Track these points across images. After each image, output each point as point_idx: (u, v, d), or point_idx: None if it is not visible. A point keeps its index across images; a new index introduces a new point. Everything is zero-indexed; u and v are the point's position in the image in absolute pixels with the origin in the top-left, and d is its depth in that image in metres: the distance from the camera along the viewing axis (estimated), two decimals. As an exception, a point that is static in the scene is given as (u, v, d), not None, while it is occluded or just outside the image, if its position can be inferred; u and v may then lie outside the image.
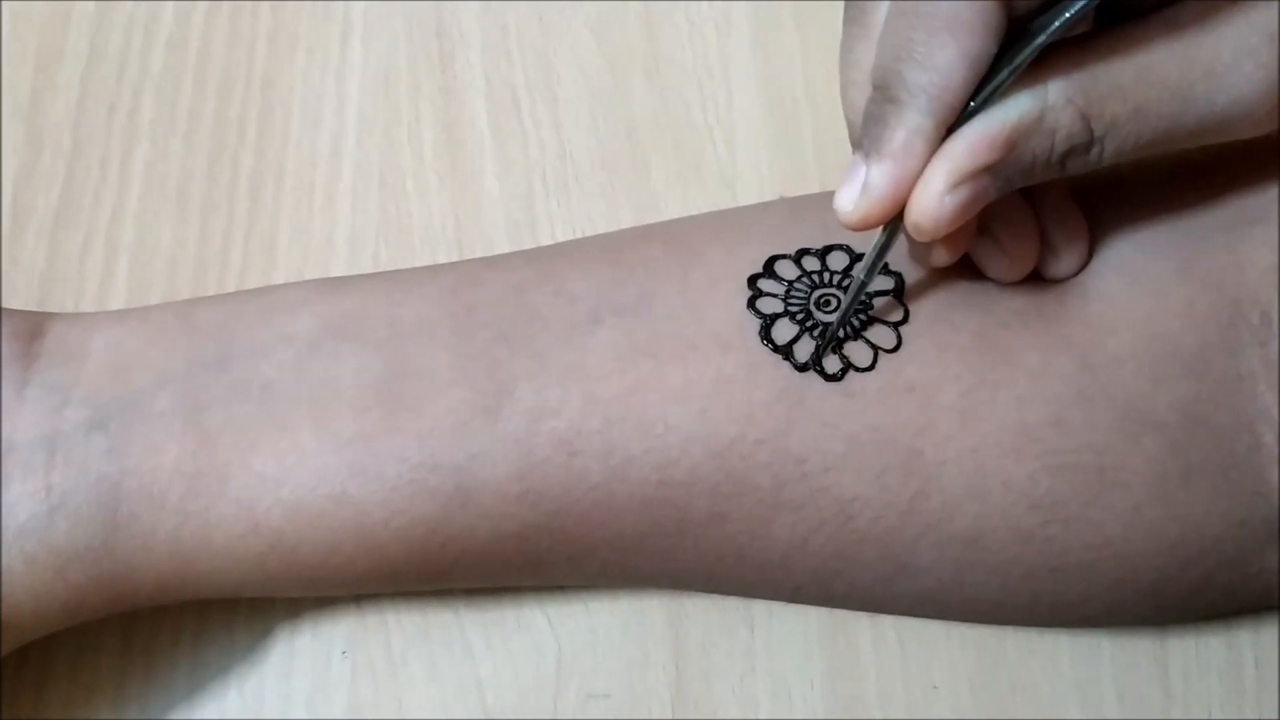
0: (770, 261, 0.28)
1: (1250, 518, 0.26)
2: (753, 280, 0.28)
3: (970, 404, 0.26)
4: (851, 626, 0.31)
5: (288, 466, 0.26)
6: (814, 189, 0.36)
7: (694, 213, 0.35)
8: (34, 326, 0.28)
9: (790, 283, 0.28)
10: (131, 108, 0.37)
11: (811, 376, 0.27)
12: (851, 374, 0.27)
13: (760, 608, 0.31)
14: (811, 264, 0.28)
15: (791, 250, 0.28)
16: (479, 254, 0.35)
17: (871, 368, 0.27)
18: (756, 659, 0.31)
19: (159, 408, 0.27)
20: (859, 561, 0.27)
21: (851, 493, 0.26)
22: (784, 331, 0.27)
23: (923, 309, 0.27)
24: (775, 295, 0.28)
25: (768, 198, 0.36)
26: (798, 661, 0.31)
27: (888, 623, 0.31)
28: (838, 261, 0.28)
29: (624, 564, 0.28)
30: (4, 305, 0.34)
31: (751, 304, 0.27)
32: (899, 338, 0.27)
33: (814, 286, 0.28)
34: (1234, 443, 0.26)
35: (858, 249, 0.28)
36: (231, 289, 0.35)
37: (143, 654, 0.31)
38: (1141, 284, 0.27)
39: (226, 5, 0.39)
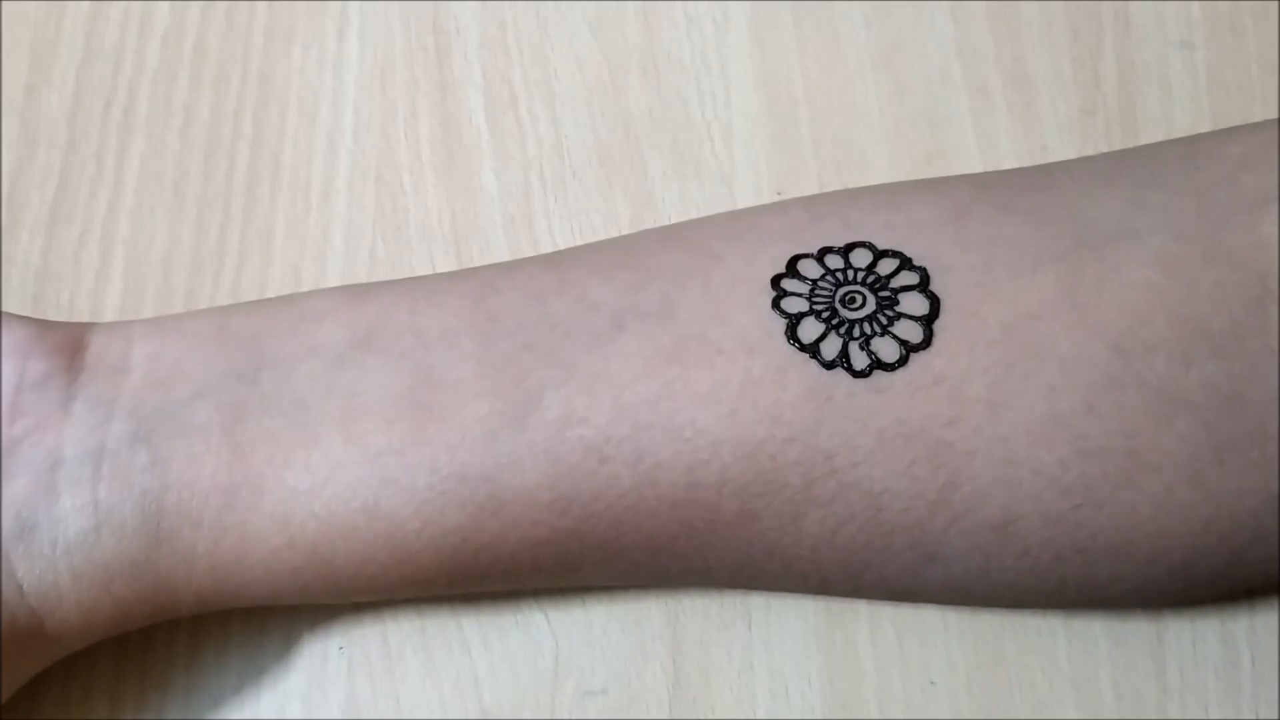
0: (793, 261, 0.28)
1: None
2: (776, 280, 0.28)
3: (999, 395, 0.26)
4: (849, 622, 0.31)
5: (320, 480, 0.26)
6: (812, 186, 0.36)
7: (691, 208, 0.35)
8: (75, 339, 0.28)
9: (814, 281, 0.28)
10: (127, 103, 0.37)
11: (839, 374, 0.27)
12: (879, 370, 0.27)
13: (758, 604, 0.31)
14: (835, 262, 0.28)
15: (812, 249, 0.28)
16: (476, 249, 0.35)
17: (900, 364, 0.27)
18: (754, 655, 0.31)
19: (198, 420, 0.27)
20: (888, 552, 0.27)
21: (881, 486, 0.26)
22: (810, 330, 0.27)
23: (950, 301, 0.27)
24: (799, 294, 0.28)
25: (765, 194, 0.36)
26: (795, 658, 0.31)
27: (885, 618, 0.31)
28: (861, 259, 0.28)
29: (654, 564, 0.28)
30: (2, 302, 0.34)
31: (776, 304, 0.27)
32: (927, 333, 0.27)
33: (838, 284, 0.28)
34: (1268, 417, 0.26)
35: (880, 246, 0.28)
36: (228, 285, 0.35)
37: (139, 651, 0.31)
38: (1173, 271, 0.27)
39: (222, 1, 0.39)
